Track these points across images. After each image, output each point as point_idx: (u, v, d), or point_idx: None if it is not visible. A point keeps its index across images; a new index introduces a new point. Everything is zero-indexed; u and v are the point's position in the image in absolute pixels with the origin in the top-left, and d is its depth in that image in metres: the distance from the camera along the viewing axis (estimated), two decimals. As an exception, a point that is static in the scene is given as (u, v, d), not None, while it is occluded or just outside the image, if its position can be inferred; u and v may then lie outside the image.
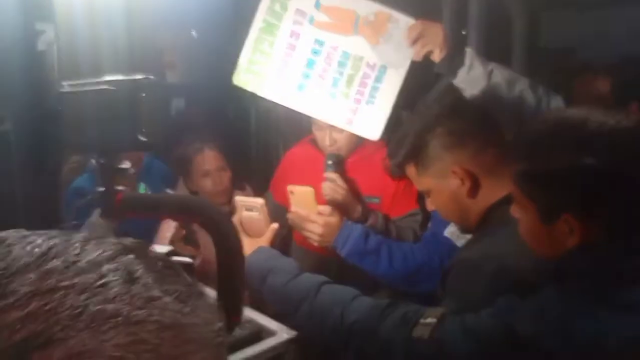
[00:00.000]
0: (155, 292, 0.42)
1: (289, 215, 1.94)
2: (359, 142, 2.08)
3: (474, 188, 1.41)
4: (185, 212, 0.91)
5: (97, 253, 0.43)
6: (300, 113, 1.97)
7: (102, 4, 0.98)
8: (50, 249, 0.42)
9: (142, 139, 0.82)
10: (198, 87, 3.30)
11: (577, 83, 2.12)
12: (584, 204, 1.00)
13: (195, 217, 0.90)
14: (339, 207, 1.97)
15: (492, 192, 1.39)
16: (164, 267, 0.46)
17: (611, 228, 1.00)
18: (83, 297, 0.39)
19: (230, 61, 1.92)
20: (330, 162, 2.03)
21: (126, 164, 0.89)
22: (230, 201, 2.52)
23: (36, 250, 0.42)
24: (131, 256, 0.44)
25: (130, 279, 0.42)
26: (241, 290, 0.90)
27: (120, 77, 0.82)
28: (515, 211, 1.15)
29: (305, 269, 2.18)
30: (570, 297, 1.02)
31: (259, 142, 3.41)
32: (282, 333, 1.74)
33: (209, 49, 3.01)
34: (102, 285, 0.40)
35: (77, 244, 0.43)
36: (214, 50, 2.88)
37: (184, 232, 2.01)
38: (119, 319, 0.38)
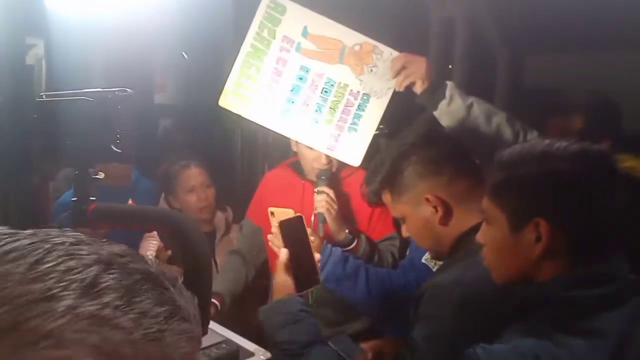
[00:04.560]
0: (107, 312, 0.40)
1: (269, 237, 1.95)
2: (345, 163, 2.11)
3: (447, 216, 1.45)
4: (155, 222, 0.94)
5: (58, 262, 0.42)
6: (284, 136, 2.00)
7: (96, 24, 1.00)
8: (10, 251, 0.42)
9: (117, 150, 0.85)
10: (186, 107, 3.35)
11: (550, 120, 2.17)
12: (553, 206, 1.05)
13: (164, 227, 0.92)
14: (327, 224, 1.98)
15: (464, 220, 1.43)
16: (142, 279, 0.44)
17: (574, 237, 1.04)
18: (20, 310, 0.38)
19: (218, 83, 1.97)
20: (323, 177, 2.04)
21: (101, 175, 0.91)
22: (212, 219, 2.54)
23: None
24: (100, 267, 0.43)
25: (87, 292, 0.41)
26: (208, 301, 0.92)
27: (97, 89, 0.85)
28: (481, 234, 1.19)
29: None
30: (535, 326, 1.04)
31: (243, 163, 3.44)
32: (259, 354, 1.74)
33: (198, 71, 3.07)
34: (47, 299, 0.39)
35: (40, 250, 0.42)
36: (204, 72, 2.94)
37: (169, 252, 2.02)
38: (52, 340, 0.38)
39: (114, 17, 1.76)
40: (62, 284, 0.40)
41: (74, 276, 0.41)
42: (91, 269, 0.42)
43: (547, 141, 1.11)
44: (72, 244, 0.44)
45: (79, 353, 0.38)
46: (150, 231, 1.54)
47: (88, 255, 0.44)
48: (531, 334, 1.04)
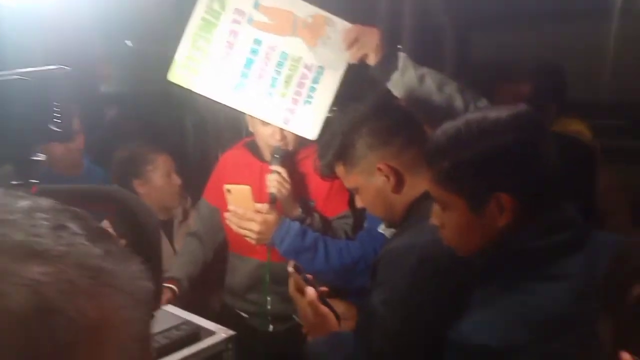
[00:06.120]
0: (82, 240, 0.45)
1: (226, 214, 1.95)
2: (304, 143, 2.09)
3: (399, 184, 1.47)
4: (101, 201, 0.92)
5: (34, 203, 0.46)
6: (236, 119, 1.98)
7: (35, 12, 0.96)
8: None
9: (55, 129, 0.83)
10: (132, 95, 3.30)
11: (497, 88, 2.21)
12: (507, 178, 1.11)
13: (110, 206, 0.91)
14: (279, 203, 1.98)
15: (415, 187, 1.46)
16: (100, 231, 0.48)
17: (532, 199, 1.10)
18: (7, 229, 0.42)
19: (165, 69, 1.92)
20: (277, 155, 2.03)
21: (41, 156, 0.89)
22: (179, 205, 2.54)
23: None
24: (69, 214, 0.47)
25: (60, 226, 0.45)
26: (159, 278, 0.92)
27: (33, 69, 0.82)
28: (436, 218, 1.22)
29: (239, 275, 2.22)
30: (502, 283, 1.10)
31: (195, 150, 3.40)
32: (220, 332, 1.75)
33: (143, 59, 3.01)
34: (31, 225, 0.43)
35: (14, 196, 0.47)
36: (148, 59, 2.88)
37: (122, 242, 1.98)
38: (41, 250, 0.42)
39: (53, 4, 1.69)
40: (42, 218, 0.45)
41: (48, 215, 0.45)
42: (62, 214, 0.46)
43: (477, 116, 1.16)
44: (40, 199, 0.48)
45: (66, 261, 0.42)
46: (97, 211, 1.51)
47: (56, 204, 0.48)
48: (500, 291, 1.10)
